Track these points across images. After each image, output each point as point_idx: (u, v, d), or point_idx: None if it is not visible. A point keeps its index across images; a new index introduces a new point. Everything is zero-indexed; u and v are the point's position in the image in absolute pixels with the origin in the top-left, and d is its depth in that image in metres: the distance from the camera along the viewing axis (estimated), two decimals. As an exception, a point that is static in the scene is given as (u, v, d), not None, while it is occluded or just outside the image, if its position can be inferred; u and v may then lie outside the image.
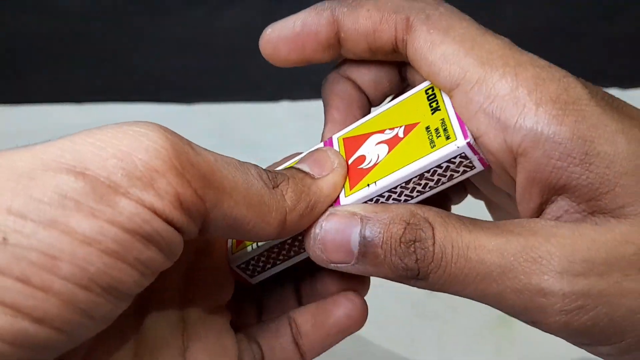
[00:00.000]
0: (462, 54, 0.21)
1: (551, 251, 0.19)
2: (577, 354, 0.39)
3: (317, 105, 0.67)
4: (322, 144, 0.25)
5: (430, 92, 0.23)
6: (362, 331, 0.40)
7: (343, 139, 0.24)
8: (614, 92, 0.26)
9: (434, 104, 0.22)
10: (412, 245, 0.20)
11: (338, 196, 0.22)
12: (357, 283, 0.25)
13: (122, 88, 0.62)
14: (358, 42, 0.24)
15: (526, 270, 0.19)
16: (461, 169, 0.21)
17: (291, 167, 0.22)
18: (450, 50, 0.21)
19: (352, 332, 0.25)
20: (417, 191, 0.22)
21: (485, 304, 0.20)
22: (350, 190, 0.22)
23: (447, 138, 0.21)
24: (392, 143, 0.22)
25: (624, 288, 0.19)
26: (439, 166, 0.21)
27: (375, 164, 0.22)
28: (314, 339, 0.25)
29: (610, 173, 0.19)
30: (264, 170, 0.21)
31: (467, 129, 0.21)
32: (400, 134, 0.22)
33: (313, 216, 0.22)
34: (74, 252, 0.16)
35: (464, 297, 0.21)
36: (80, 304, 0.16)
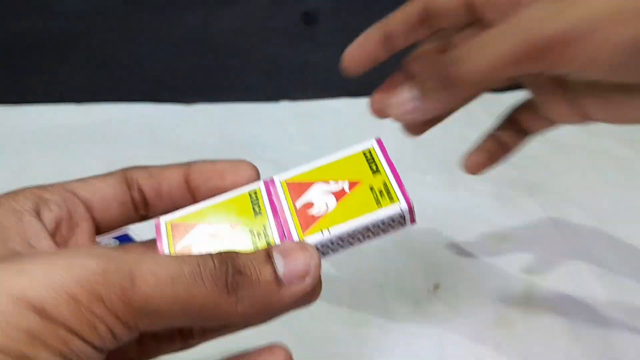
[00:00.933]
0: None
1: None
2: (576, 353, 0.39)
3: (317, 105, 0.67)
4: (262, 184, 0.27)
5: (368, 155, 0.27)
6: (362, 330, 0.40)
7: (287, 183, 0.27)
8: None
9: (373, 167, 0.26)
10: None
11: (290, 233, 0.25)
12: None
13: (122, 88, 0.62)
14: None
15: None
16: (396, 225, 0.25)
17: (267, 260, 0.23)
18: None
19: None
20: (358, 239, 0.25)
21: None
22: (304, 233, 0.25)
23: (391, 199, 0.25)
24: (338, 195, 0.26)
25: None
26: (382, 222, 0.25)
27: (325, 213, 0.25)
28: None
29: None
30: (231, 269, 0.22)
31: (406, 192, 0.25)
32: (346, 189, 0.26)
33: (261, 317, 0.23)
34: None
35: None
36: None
